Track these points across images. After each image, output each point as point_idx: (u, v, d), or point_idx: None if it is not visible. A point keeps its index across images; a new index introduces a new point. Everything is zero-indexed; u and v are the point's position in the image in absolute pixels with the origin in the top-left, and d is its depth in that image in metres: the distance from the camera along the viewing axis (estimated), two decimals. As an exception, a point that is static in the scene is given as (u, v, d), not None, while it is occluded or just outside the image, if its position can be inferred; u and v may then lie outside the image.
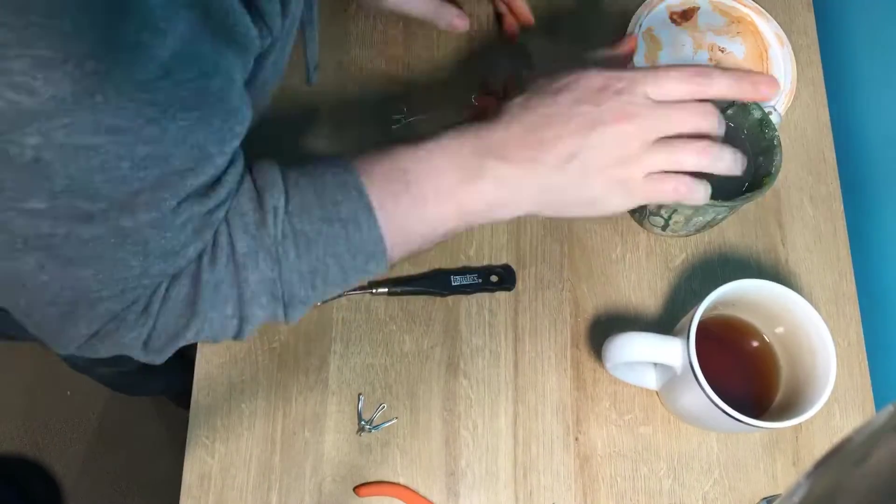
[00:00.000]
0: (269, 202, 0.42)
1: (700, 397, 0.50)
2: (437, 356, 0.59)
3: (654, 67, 0.45)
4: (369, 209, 0.43)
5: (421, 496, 0.55)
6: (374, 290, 0.59)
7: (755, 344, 0.57)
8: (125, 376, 1.05)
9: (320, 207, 0.43)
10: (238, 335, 0.45)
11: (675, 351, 0.51)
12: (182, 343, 0.44)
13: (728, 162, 0.46)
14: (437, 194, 0.45)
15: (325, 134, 0.65)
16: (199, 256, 0.42)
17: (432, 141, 0.45)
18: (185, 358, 1.17)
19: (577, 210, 0.46)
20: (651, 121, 0.43)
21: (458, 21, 0.61)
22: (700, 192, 0.46)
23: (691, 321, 0.51)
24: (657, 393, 0.59)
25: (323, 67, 0.61)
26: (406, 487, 0.56)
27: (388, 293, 0.60)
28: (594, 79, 0.44)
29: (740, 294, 0.54)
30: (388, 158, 0.45)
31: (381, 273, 0.46)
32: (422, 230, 0.46)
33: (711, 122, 0.45)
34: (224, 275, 0.42)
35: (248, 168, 0.44)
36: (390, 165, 0.45)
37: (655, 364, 0.57)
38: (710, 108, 0.45)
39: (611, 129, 0.43)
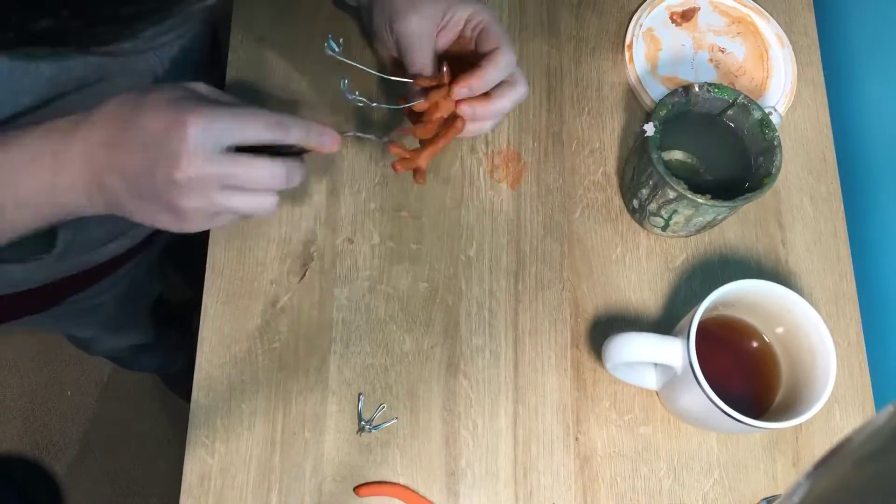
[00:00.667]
0: None
1: (700, 397, 0.50)
2: (437, 356, 0.59)
3: (237, 111, 0.44)
4: None
5: (421, 496, 0.55)
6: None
7: (755, 344, 0.57)
8: (120, 352, 1.07)
9: None
10: None
11: (675, 351, 0.51)
12: None
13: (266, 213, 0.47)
14: (14, 202, 0.45)
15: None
16: None
17: (15, 136, 0.45)
18: (177, 337, 1.18)
19: (150, 224, 0.46)
20: (208, 172, 0.43)
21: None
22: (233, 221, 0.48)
23: (691, 321, 0.51)
24: (657, 393, 0.59)
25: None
26: (406, 487, 0.56)
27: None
28: (169, 111, 0.43)
29: (740, 294, 0.54)
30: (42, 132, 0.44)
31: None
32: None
33: (276, 180, 0.45)
34: None
35: None
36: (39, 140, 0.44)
37: (655, 364, 0.57)
38: (278, 167, 0.45)
39: (169, 171, 0.42)
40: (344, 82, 0.53)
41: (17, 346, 1.36)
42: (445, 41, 0.56)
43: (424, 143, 0.54)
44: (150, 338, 1.00)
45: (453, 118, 0.54)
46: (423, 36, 0.53)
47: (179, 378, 1.28)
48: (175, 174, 0.42)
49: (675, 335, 0.53)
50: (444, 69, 0.54)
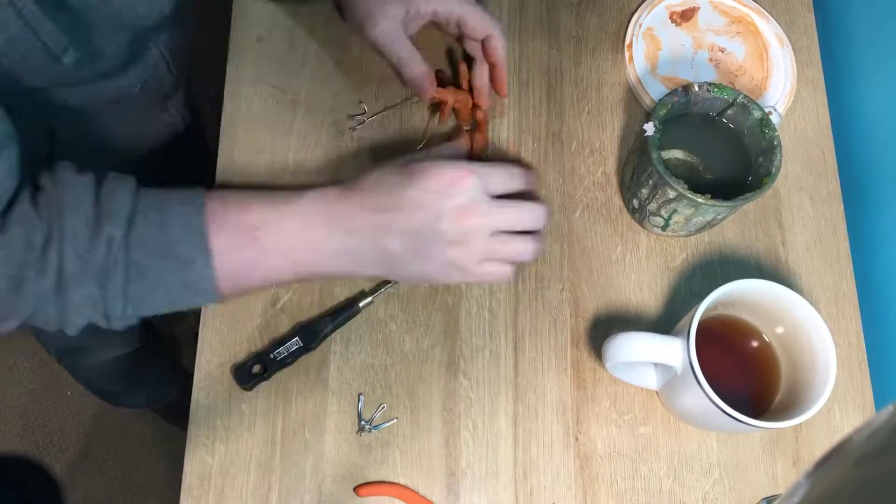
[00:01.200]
0: (105, 230, 0.44)
1: (700, 397, 0.50)
2: (436, 356, 0.59)
3: (489, 165, 0.51)
4: (207, 254, 0.46)
5: (420, 496, 0.55)
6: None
7: (755, 344, 0.57)
8: (106, 385, 1.07)
9: (161, 243, 0.46)
10: (64, 330, 0.47)
11: (675, 351, 0.51)
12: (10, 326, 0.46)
13: (535, 255, 0.53)
14: (281, 255, 0.49)
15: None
16: (22, 266, 0.44)
17: (290, 202, 0.49)
18: (167, 374, 1.17)
19: (418, 279, 0.52)
20: (491, 218, 0.49)
21: (427, 85, 0.59)
22: (512, 276, 0.53)
23: (691, 321, 0.51)
24: (657, 393, 0.59)
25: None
26: (406, 487, 0.56)
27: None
28: (446, 170, 0.49)
29: (740, 294, 0.54)
30: (242, 211, 0.49)
31: (212, 303, 0.50)
32: (257, 280, 0.50)
33: (539, 220, 0.52)
34: (48, 288, 0.44)
35: (99, 188, 0.46)
36: (242, 218, 0.48)
37: (656, 364, 0.57)
38: (539, 209, 0.52)
39: (456, 221, 0.48)
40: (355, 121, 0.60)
41: (17, 346, 1.36)
42: (415, 28, 0.59)
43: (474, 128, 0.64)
44: (138, 341, 0.99)
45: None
46: (393, 38, 0.57)
47: (180, 409, 1.28)
48: (465, 223, 0.48)
49: (675, 335, 0.53)
50: (463, 79, 0.63)
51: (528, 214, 0.51)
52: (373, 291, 0.59)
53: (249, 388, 0.57)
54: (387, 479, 0.56)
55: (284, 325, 0.59)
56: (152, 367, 1.09)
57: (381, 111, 0.66)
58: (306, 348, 0.57)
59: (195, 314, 0.59)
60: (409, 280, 0.51)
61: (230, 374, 0.57)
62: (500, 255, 0.51)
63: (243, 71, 0.67)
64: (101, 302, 0.46)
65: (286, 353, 0.57)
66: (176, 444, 1.32)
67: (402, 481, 0.56)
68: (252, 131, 0.65)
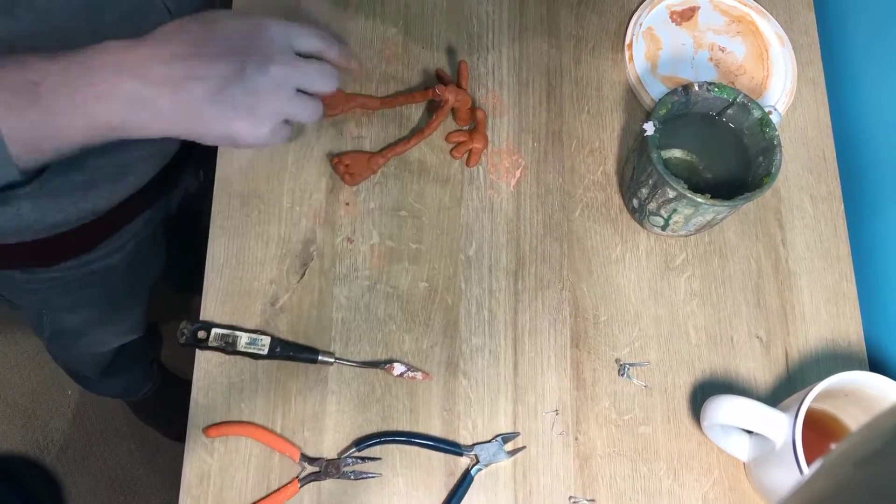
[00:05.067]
0: None
1: (794, 477, 0.49)
2: (436, 356, 0.59)
3: (294, 24, 0.49)
4: None
5: (271, 431, 0.56)
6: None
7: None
8: (83, 370, 1.07)
9: None
10: None
11: (780, 425, 0.51)
12: None
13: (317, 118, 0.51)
14: (70, 110, 0.44)
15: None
16: None
17: (69, 54, 0.44)
18: (145, 368, 1.17)
19: (214, 136, 0.47)
20: (295, 71, 0.48)
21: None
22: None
23: (803, 400, 0.50)
24: (744, 465, 0.58)
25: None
26: (256, 425, 0.56)
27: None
28: (249, 18, 0.47)
29: (857, 386, 0.53)
30: (18, 67, 0.43)
31: (12, 178, 0.44)
32: (52, 142, 0.45)
33: (332, 84, 0.50)
34: None
35: None
36: (19, 76, 0.43)
37: (752, 435, 0.57)
38: (333, 71, 0.51)
39: (261, 67, 0.46)
40: None
41: (18, 346, 1.36)
42: None
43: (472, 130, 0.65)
44: (143, 330, 1.00)
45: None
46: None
47: (153, 408, 1.28)
48: (272, 69, 0.46)
49: (782, 409, 0.53)
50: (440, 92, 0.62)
51: (326, 74, 0.50)
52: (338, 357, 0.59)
53: (183, 344, 0.57)
54: (239, 420, 0.57)
55: (284, 325, 0.59)
56: (133, 361, 1.09)
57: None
58: (268, 354, 0.57)
59: (185, 311, 0.59)
60: (205, 133, 0.47)
61: (183, 331, 0.58)
62: (291, 111, 0.49)
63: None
64: None
65: (250, 343, 0.57)
66: (176, 445, 1.32)
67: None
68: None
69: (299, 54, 0.49)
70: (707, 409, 0.54)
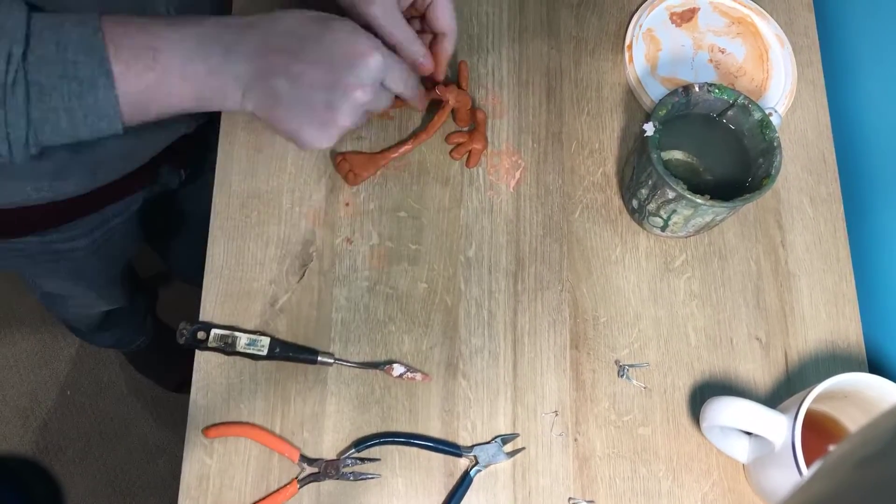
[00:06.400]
0: (3, 47, 0.43)
1: (793, 479, 0.49)
2: (436, 357, 0.59)
3: (395, 58, 0.52)
4: (109, 76, 0.45)
5: (270, 432, 0.56)
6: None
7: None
8: (76, 322, 1.09)
9: (60, 63, 0.44)
10: None
11: (779, 426, 0.51)
12: None
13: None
14: (182, 79, 0.47)
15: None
16: None
17: (189, 25, 0.48)
18: (140, 320, 1.18)
19: (286, 129, 0.50)
20: (375, 103, 0.51)
21: (428, 63, 0.59)
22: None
23: (802, 401, 0.50)
24: (743, 466, 0.58)
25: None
26: (255, 426, 0.56)
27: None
28: (358, 41, 0.49)
29: (856, 388, 0.53)
30: (141, 33, 0.46)
31: (116, 132, 0.47)
32: (158, 106, 0.48)
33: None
34: None
35: None
36: (142, 40, 0.46)
37: (751, 436, 0.57)
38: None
39: (347, 91, 0.49)
40: None
41: (17, 346, 1.36)
42: (405, 6, 0.58)
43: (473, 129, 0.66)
44: (124, 302, 1.01)
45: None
46: (388, 13, 0.55)
47: (148, 359, 1.30)
48: (357, 95, 0.49)
49: (781, 411, 0.52)
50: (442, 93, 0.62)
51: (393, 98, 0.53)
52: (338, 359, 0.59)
53: (182, 344, 0.58)
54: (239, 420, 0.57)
55: (283, 326, 0.59)
56: (125, 317, 1.10)
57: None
58: (267, 355, 0.57)
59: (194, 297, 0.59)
60: (277, 125, 0.50)
61: (182, 332, 0.58)
62: (355, 124, 0.52)
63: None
64: (2, 124, 0.44)
65: (250, 343, 0.57)
66: (175, 445, 1.32)
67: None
68: (252, 130, 0.65)
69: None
70: (706, 411, 0.54)
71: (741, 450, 0.57)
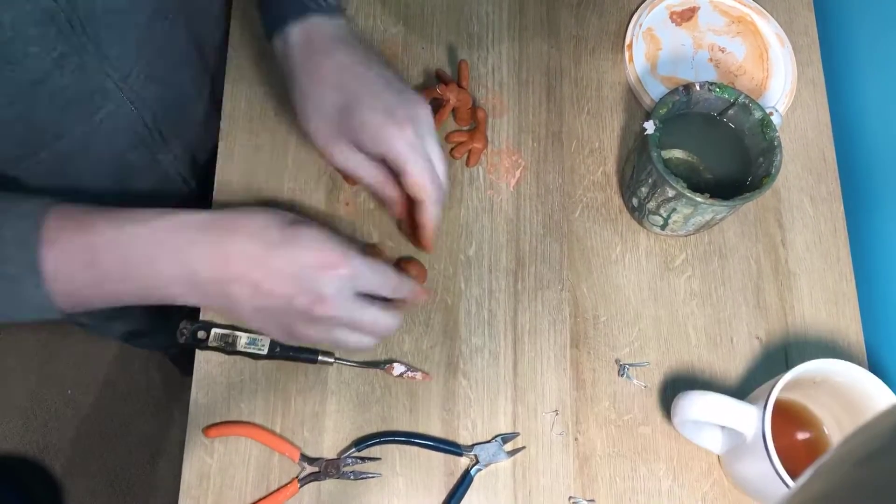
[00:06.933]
0: None
1: (765, 468, 0.49)
2: (436, 356, 0.59)
3: (368, 263, 0.48)
4: (37, 275, 0.44)
5: (270, 432, 0.56)
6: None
7: (811, 434, 0.56)
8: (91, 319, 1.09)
9: None
10: None
11: (749, 418, 0.51)
12: None
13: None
14: (122, 279, 0.46)
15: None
16: None
17: (140, 224, 0.46)
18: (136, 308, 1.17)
19: (253, 328, 0.50)
20: (344, 317, 0.48)
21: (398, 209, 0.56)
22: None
23: (770, 391, 0.50)
24: (718, 457, 0.58)
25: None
26: (256, 425, 0.56)
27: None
28: (326, 250, 0.47)
29: (824, 375, 0.53)
30: (83, 231, 0.45)
31: (56, 317, 0.47)
32: (99, 299, 0.47)
33: (388, 332, 0.51)
34: None
35: None
36: (82, 239, 0.45)
37: (723, 428, 0.57)
38: (394, 323, 0.51)
39: (309, 305, 0.47)
40: None
41: (17, 346, 1.36)
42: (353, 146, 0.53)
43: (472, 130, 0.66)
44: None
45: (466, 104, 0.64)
46: (329, 145, 0.53)
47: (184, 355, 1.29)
48: (316, 310, 0.46)
49: (751, 402, 0.52)
50: (443, 91, 0.62)
51: (381, 325, 0.50)
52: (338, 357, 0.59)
53: (182, 343, 0.57)
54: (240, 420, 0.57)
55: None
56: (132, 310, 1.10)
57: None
58: (267, 354, 0.57)
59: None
60: (243, 324, 0.51)
61: (183, 331, 0.57)
62: (330, 340, 0.49)
63: (243, 70, 0.67)
64: None
65: (250, 343, 0.57)
66: (175, 444, 1.33)
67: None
68: (252, 130, 0.65)
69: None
70: (676, 406, 0.54)
71: (715, 441, 0.57)
